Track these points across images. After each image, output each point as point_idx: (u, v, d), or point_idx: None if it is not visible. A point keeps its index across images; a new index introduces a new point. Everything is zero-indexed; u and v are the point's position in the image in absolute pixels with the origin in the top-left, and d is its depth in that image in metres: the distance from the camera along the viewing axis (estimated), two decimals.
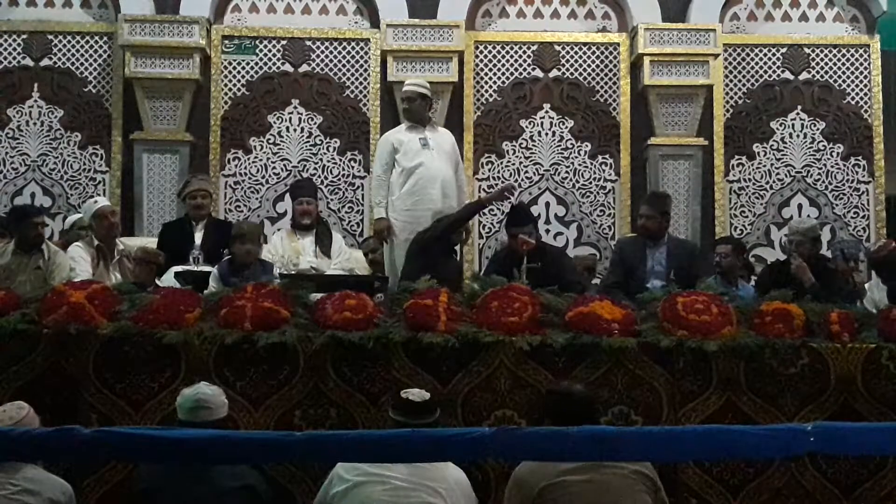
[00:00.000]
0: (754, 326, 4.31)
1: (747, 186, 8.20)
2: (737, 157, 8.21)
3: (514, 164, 8.13)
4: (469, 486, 3.56)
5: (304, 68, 8.11)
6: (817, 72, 8.27)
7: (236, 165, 8.03)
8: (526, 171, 8.13)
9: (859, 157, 8.22)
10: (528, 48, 8.20)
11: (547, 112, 8.18)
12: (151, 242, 6.37)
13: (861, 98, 8.24)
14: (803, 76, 8.27)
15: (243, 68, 8.06)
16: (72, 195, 7.93)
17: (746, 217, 8.18)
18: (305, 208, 6.30)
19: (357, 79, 8.11)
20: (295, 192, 6.59)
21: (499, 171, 8.10)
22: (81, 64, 8.04)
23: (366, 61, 8.11)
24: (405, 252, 5.82)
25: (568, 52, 8.21)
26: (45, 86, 8.03)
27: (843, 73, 8.26)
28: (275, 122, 8.07)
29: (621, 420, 4.14)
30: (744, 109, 8.24)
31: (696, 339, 4.18)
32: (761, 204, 8.18)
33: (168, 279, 5.61)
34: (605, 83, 8.19)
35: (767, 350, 4.21)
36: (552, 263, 5.51)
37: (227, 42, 8.08)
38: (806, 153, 8.23)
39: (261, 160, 8.04)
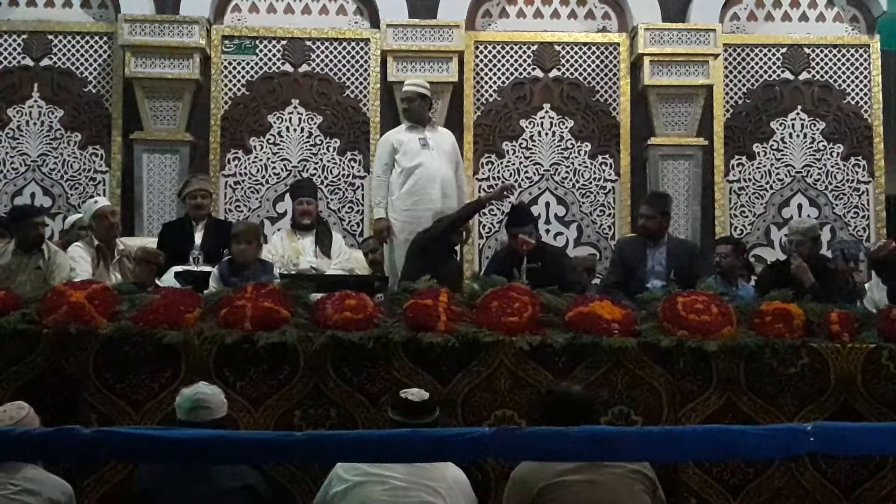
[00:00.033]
0: (754, 326, 4.31)
1: (747, 186, 8.20)
2: (737, 157, 8.21)
3: (514, 164, 8.13)
4: (468, 485, 3.56)
5: (304, 68, 8.11)
6: (817, 72, 8.28)
7: (236, 165, 8.03)
8: (526, 171, 8.14)
9: (859, 157, 8.22)
10: (528, 48, 8.20)
11: (547, 112, 8.18)
12: (151, 242, 6.37)
13: (861, 98, 8.25)
14: (803, 76, 8.28)
15: (243, 68, 8.07)
16: (72, 195, 7.93)
17: (746, 217, 8.18)
18: (305, 208, 6.30)
19: (357, 79, 8.11)
20: (295, 192, 6.59)
21: (499, 171, 8.10)
22: (81, 64, 8.04)
23: (366, 61, 8.11)
24: (405, 252, 5.82)
25: (568, 52, 8.21)
26: (45, 86, 8.03)
27: (843, 73, 8.26)
28: (275, 122, 8.07)
29: (621, 420, 4.14)
30: (744, 109, 8.24)
31: (696, 339, 4.18)
32: (761, 204, 8.19)
33: (168, 279, 5.61)
34: (605, 83, 8.19)
35: (767, 350, 4.21)
36: (552, 263, 5.52)
37: (227, 42, 8.08)
38: (806, 153, 8.23)
39: (261, 160, 8.04)
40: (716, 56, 8.04)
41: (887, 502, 4.17)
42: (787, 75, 8.27)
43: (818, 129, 8.24)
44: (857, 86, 8.25)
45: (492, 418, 4.13)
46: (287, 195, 7.24)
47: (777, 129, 8.24)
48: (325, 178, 8.01)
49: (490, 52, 8.19)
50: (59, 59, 8.04)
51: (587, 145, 8.16)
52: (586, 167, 8.15)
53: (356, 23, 8.23)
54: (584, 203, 8.12)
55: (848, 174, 8.21)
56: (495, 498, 3.87)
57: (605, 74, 8.19)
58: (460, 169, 6.37)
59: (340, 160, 8.06)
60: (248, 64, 8.07)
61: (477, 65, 8.15)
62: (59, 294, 4.28)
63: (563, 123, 8.17)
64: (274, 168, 8.03)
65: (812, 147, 8.23)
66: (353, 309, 4.23)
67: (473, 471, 3.80)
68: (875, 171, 8.20)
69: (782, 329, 4.27)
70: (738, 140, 8.22)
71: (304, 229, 6.27)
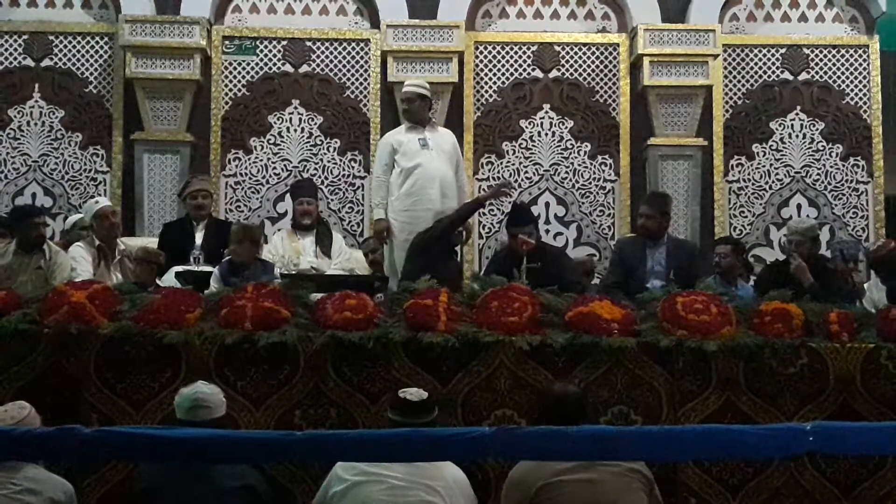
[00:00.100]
0: (754, 326, 4.31)
1: (746, 186, 8.21)
2: (736, 157, 8.22)
3: (513, 165, 8.14)
4: (468, 484, 3.57)
5: (304, 69, 8.12)
6: (816, 72, 8.28)
7: (237, 166, 8.04)
8: (526, 172, 8.14)
9: (858, 158, 8.22)
10: (528, 48, 8.21)
11: (547, 112, 8.19)
12: (152, 242, 6.37)
13: (860, 98, 8.25)
14: (802, 76, 8.28)
15: (244, 69, 8.07)
16: (73, 195, 7.94)
17: (746, 217, 8.19)
18: (306, 208, 6.31)
19: (357, 79, 8.12)
20: (295, 192, 6.60)
21: (499, 172, 8.11)
22: (82, 64, 8.05)
23: (366, 62, 8.12)
24: (405, 252, 5.83)
25: (568, 53, 8.22)
26: (45, 86, 8.04)
27: (843, 73, 8.27)
28: (275, 123, 8.08)
29: (621, 420, 4.14)
30: (743, 110, 8.25)
31: (696, 339, 4.18)
32: (760, 204, 8.19)
33: (169, 279, 5.61)
34: (605, 83, 8.20)
35: (767, 350, 4.22)
36: (552, 263, 5.52)
37: (227, 42, 8.09)
38: (805, 153, 8.24)
39: (261, 160, 8.04)
40: (715, 56, 8.05)
41: (886, 502, 4.18)
42: (787, 76, 8.28)
43: (817, 130, 8.25)
44: (856, 86, 8.26)
45: (492, 418, 4.13)
46: (287, 195, 7.25)
47: (776, 129, 8.25)
48: (326, 178, 8.01)
49: (490, 52, 8.20)
50: (60, 59, 8.05)
51: (587, 145, 8.17)
52: (586, 167, 8.16)
53: (356, 23, 8.23)
54: (583, 203, 8.13)
55: (847, 174, 8.22)
56: (495, 498, 3.88)
57: (605, 75, 8.20)
58: (461, 169, 6.37)
59: (341, 160, 8.07)
60: (248, 64, 8.08)
61: (477, 65, 8.16)
62: (60, 294, 4.28)
63: (563, 124, 8.18)
64: (274, 168, 8.04)
65: (811, 147, 8.24)
66: (354, 309, 4.23)
67: (473, 470, 3.80)
68: (874, 172, 8.20)
69: (781, 329, 4.28)
70: (737, 140, 8.22)
71: (305, 229, 6.28)
